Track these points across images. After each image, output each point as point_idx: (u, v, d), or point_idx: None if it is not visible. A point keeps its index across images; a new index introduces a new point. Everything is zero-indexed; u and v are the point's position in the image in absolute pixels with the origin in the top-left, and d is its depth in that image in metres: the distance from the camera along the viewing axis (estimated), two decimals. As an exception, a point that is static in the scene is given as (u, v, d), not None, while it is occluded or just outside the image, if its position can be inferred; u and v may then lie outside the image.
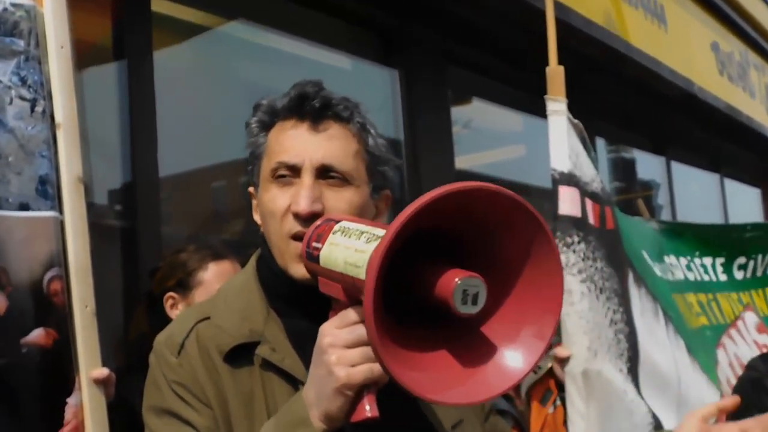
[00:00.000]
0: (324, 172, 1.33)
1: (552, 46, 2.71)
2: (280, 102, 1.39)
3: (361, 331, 1.12)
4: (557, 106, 2.64)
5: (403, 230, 0.99)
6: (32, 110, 1.90)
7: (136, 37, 3.20)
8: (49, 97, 1.93)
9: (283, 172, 1.33)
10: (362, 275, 1.06)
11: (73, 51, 2.74)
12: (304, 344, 1.28)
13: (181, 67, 3.71)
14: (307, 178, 1.32)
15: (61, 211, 1.92)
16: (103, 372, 1.92)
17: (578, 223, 2.56)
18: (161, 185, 3.25)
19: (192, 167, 3.73)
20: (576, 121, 2.70)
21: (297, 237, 1.30)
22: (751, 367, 2.41)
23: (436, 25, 4.68)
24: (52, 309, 1.88)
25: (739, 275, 3.44)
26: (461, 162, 5.01)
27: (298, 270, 1.31)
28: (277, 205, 1.33)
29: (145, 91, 3.21)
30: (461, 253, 1.09)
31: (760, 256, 3.42)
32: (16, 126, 1.87)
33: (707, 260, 3.39)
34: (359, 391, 1.13)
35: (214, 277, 2.33)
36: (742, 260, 3.42)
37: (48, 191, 1.90)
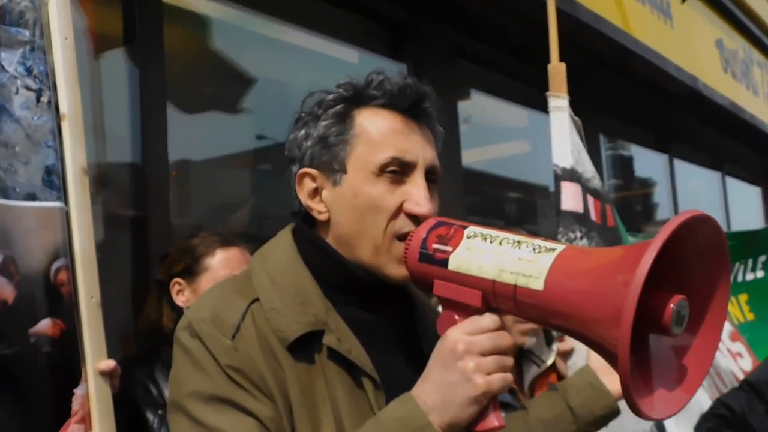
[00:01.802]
0: (429, 174, 1.31)
1: (554, 43, 2.72)
2: (376, 88, 1.31)
3: (498, 339, 1.12)
4: (559, 103, 2.66)
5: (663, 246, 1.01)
6: (38, 100, 1.90)
7: (146, 28, 3.21)
8: (54, 87, 1.92)
9: (395, 168, 1.27)
10: (535, 285, 1.09)
11: (87, 40, 2.75)
12: (368, 336, 1.27)
13: (191, 58, 3.72)
14: (420, 177, 1.28)
15: (66, 202, 1.91)
16: (110, 364, 1.91)
17: (580, 219, 2.57)
18: (171, 175, 3.25)
19: (201, 157, 3.75)
20: (576, 118, 2.71)
21: (403, 237, 1.26)
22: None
23: (445, 18, 4.67)
24: (59, 299, 1.87)
25: None
26: (466, 157, 5.02)
27: (399, 271, 1.26)
28: (387, 201, 1.26)
29: (155, 82, 3.21)
30: (660, 274, 1.09)
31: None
32: (22, 116, 1.87)
33: None
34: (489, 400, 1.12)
35: (221, 263, 2.33)
36: None
37: (54, 181, 1.89)
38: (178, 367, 1.26)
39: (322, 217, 1.31)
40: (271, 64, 4.11)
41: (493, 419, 1.12)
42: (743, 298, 3.55)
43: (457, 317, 1.16)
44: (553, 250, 1.11)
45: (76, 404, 1.87)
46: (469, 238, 1.18)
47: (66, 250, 1.89)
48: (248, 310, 1.25)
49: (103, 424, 1.89)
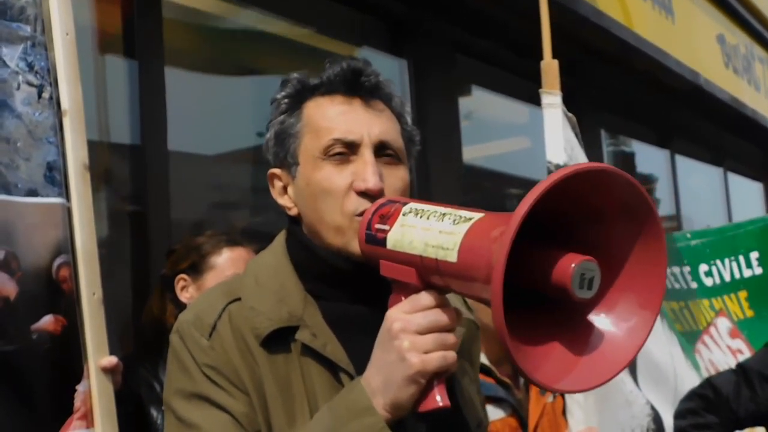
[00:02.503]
0: (380, 149, 1.30)
1: (546, 39, 2.73)
2: (320, 77, 1.33)
3: (435, 316, 1.11)
4: (552, 99, 2.67)
5: (528, 211, 0.95)
6: (39, 96, 1.89)
7: (146, 25, 3.21)
8: (55, 83, 1.92)
9: (339, 149, 1.28)
10: (451, 257, 1.05)
11: (91, 35, 2.74)
12: (345, 329, 1.27)
13: (190, 55, 3.73)
14: (368, 154, 1.27)
15: (68, 198, 1.91)
16: (112, 360, 1.91)
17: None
18: (171, 172, 3.27)
19: (201, 153, 3.76)
20: (570, 114, 2.73)
21: (361, 215, 1.25)
22: None
23: (445, 14, 4.67)
24: (61, 295, 1.87)
25: (708, 282, 3.50)
26: (466, 153, 5.03)
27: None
28: (335, 183, 1.27)
29: (155, 79, 3.22)
30: (566, 237, 1.06)
31: (719, 261, 3.47)
32: (24, 111, 1.86)
33: (675, 269, 3.44)
34: (430, 379, 1.10)
35: (227, 262, 2.35)
36: (704, 267, 3.48)
37: (56, 177, 1.89)
38: (168, 367, 1.30)
39: (292, 212, 1.35)
40: (270, 61, 4.12)
41: (435, 399, 1.10)
42: (743, 294, 3.56)
43: (403, 297, 1.15)
44: (470, 219, 1.07)
45: (78, 401, 1.86)
46: (404, 214, 1.16)
47: (68, 247, 1.89)
48: (225, 310, 1.28)
49: (105, 421, 1.89)
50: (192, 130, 3.57)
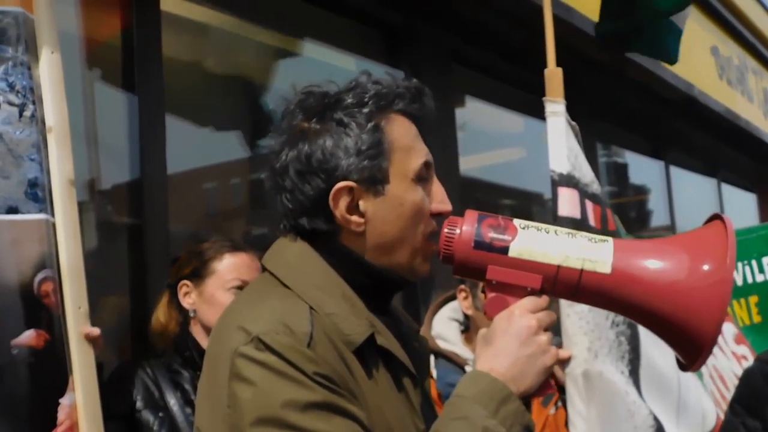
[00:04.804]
0: None
1: (550, 47, 2.72)
2: (393, 93, 1.34)
3: (552, 316, 1.29)
4: (556, 108, 2.66)
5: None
6: (20, 115, 1.91)
7: (144, 37, 3.20)
8: (40, 101, 1.95)
9: (425, 173, 1.35)
10: (602, 268, 1.26)
11: (81, 49, 2.73)
12: (393, 336, 1.34)
13: (189, 66, 3.72)
14: (435, 177, 1.38)
15: (53, 214, 1.93)
16: (94, 331, 1.93)
17: (578, 225, 2.56)
18: (169, 183, 3.25)
19: (200, 165, 3.74)
20: (573, 123, 2.72)
21: (432, 236, 1.35)
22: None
23: (441, 23, 4.68)
24: (42, 310, 1.88)
25: None
26: (462, 163, 5.02)
27: (426, 267, 1.37)
28: (426, 207, 1.34)
29: (153, 90, 3.21)
30: None
31: None
32: (3, 131, 1.89)
33: None
34: None
35: (228, 267, 2.34)
36: None
37: (38, 194, 1.91)
38: (254, 384, 1.19)
39: (359, 228, 1.31)
40: (267, 72, 4.11)
41: (551, 384, 1.31)
42: (753, 300, 3.55)
43: (508, 299, 1.30)
44: (606, 240, 1.29)
45: (62, 414, 1.87)
46: (523, 228, 1.31)
47: (52, 261, 1.90)
48: (312, 317, 1.24)
49: None
50: (190, 141, 3.56)
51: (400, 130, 1.33)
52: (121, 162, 3.21)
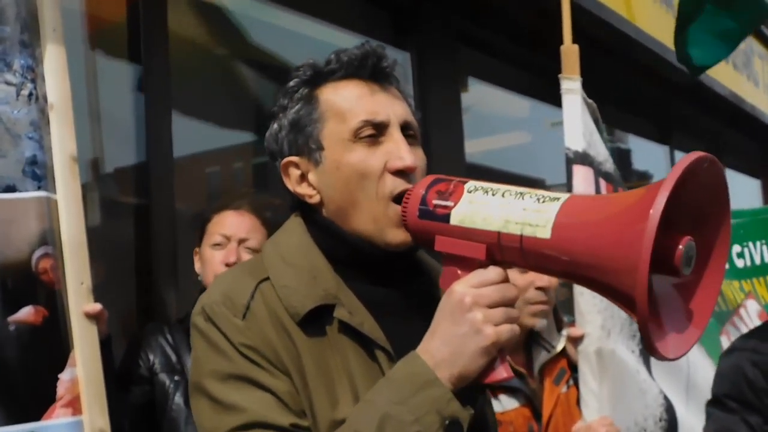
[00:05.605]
0: (404, 130, 1.30)
1: (566, 24, 2.70)
2: (334, 61, 1.32)
3: (504, 290, 1.14)
4: (572, 85, 2.64)
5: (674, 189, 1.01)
6: (18, 94, 1.92)
7: (150, 15, 3.18)
8: (41, 79, 1.95)
9: (369, 131, 1.27)
10: (541, 233, 1.10)
11: (84, 28, 2.71)
12: (377, 310, 1.27)
13: (194, 45, 3.69)
14: (397, 133, 1.28)
15: (54, 191, 1.93)
16: (96, 307, 1.94)
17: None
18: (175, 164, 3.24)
19: (206, 147, 3.73)
20: (590, 101, 2.70)
21: (398, 198, 1.25)
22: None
23: (449, 4, 4.64)
24: (41, 287, 1.89)
25: (739, 263, 3.47)
26: (467, 147, 4.99)
27: (398, 235, 1.26)
28: (370, 165, 1.26)
29: (159, 70, 3.18)
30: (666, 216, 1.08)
31: (751, 243, 3.45)
32: (1, 110, 1.89)
33: None
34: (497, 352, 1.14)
35: (213, 226, 2.37)
36: (737, 248, 3.45)
37: (36, 172, 1.92)
38: (196, 351, 1.27)
39: (314, 200, 1.32)
40: (273, 51, 4.08)
41: (502, 370, 1.14)
42: None
43: (459, 272, 1.17)
44: (558, 199, 1.12)
45: (61, 389, 1.88)
46: (470, 192, 1.18)
47: (51, 238, 1.91)
48: (257, 289, 1.25)
49: (93, 407, 1.91)
50: (195, 121, 3.54)
51: (338, 95, 1.31)
52: (128, 142, 3.19)
